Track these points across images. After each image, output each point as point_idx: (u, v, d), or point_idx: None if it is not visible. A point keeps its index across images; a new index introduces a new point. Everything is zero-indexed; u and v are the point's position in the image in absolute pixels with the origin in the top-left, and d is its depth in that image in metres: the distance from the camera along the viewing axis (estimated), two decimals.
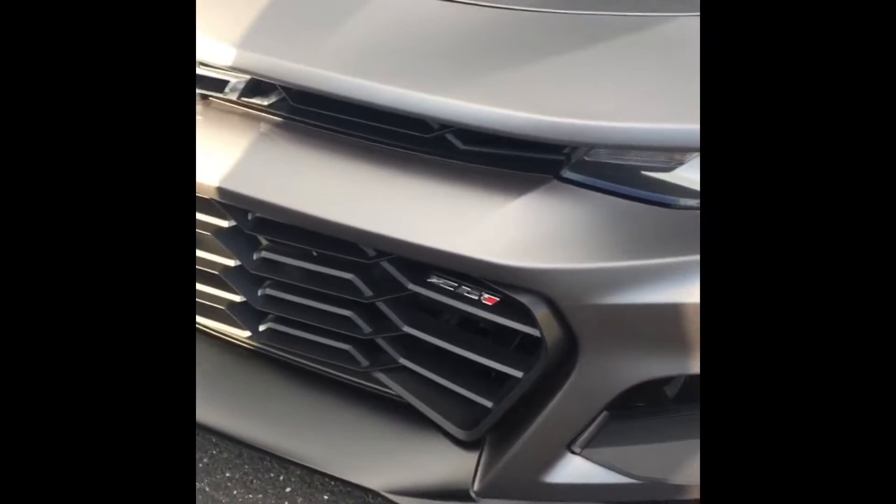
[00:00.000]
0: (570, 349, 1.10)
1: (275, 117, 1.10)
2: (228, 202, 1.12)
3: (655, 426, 1.24)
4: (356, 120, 1.08)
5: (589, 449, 1.22)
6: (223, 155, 1.10)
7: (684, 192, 1.03)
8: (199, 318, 1.34)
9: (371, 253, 1.13)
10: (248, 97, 1.10)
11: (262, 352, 1.35)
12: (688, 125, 0.99)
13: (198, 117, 1.11)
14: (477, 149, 1.05)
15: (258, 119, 1.11)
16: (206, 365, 1.35)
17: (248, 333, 1.32)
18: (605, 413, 1.21)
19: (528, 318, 1.07)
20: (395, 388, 1.28)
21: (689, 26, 1.01)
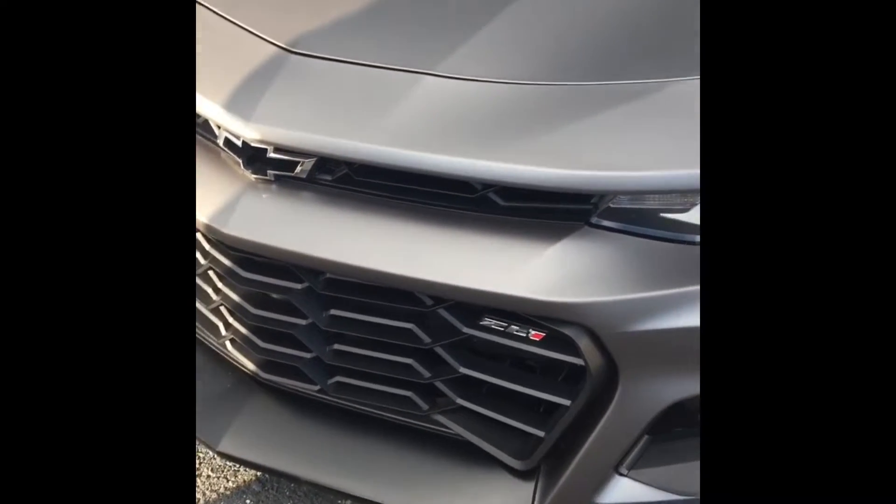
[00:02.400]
0: (611, 375, 1.24)
1: (341, 190, 1.27)
2: (303, 264, 1.28)
3: (693, 446, 1.36)
4: (410, 187, 1.25)
5: (635, 470, 1.34)
6: (297, 226, 1.27)
7: (699, 229, 1.18)
8: (270, 377, 1.49)
9: (428, 302, 1.28)
10: (315, 175, 1.27)
11: (332, 403, 1.49)
12: (697, 170, 1.15)
13: (272, 195, 1.28)
14: (516, 204, 1.22)
15: (326, 193, 1.28)
16: (284, 416, 1.50)
17: (317, 387, 1.46)
18: (647, 437, 1.34)
19: (572, 348, 1.21)
20: (454, 428, 1.41)
21: (685, 89, 1.18)
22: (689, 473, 1.33)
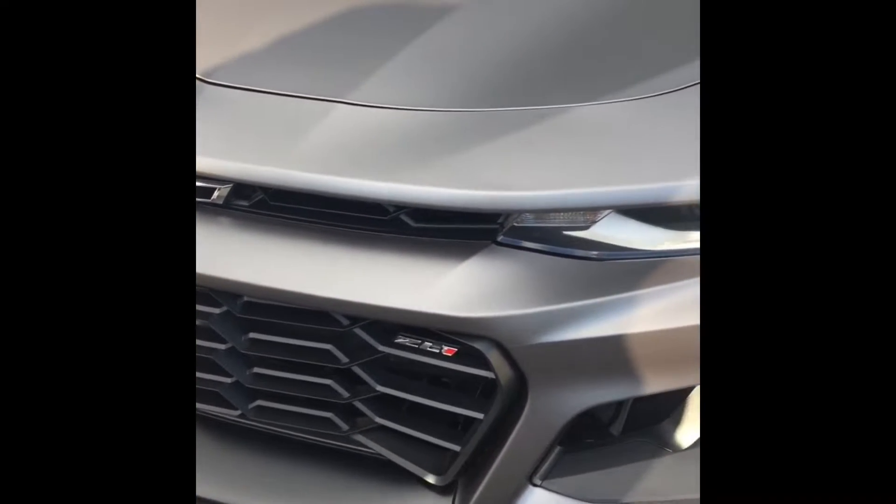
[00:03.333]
0: (520, 387, 1.29)
1: (257, 214, 1.31)
2: (221, 288, 1.31)
3: (604, 454, 1.42)
4: (325, 210, 1.29)
5: (549, 480, 1.39)
6: (214, 250, 1.30)
7: (600, 246, 1.25)
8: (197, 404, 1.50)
9: (345, 322, 1.32)
10: (232, 200, 1.31)
11: (254, 427, 1.51)
12: (594, 189, 1.22)
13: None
14: (427, 225, 1.27)
15: (243, 217, 1.31)
16: (207, 443, 1.51)
17: (238, 412, 1.48)
18: (559, 448, 1.40)
19: (483, 362, 1.27)
20: (374, 447, 1.44)
21: (583, 113, 1.26)
22: (603, 481, 1.39)
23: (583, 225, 1.25)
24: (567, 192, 1.22)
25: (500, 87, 1.30)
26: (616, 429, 1.45)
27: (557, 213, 1.25)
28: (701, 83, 0.96)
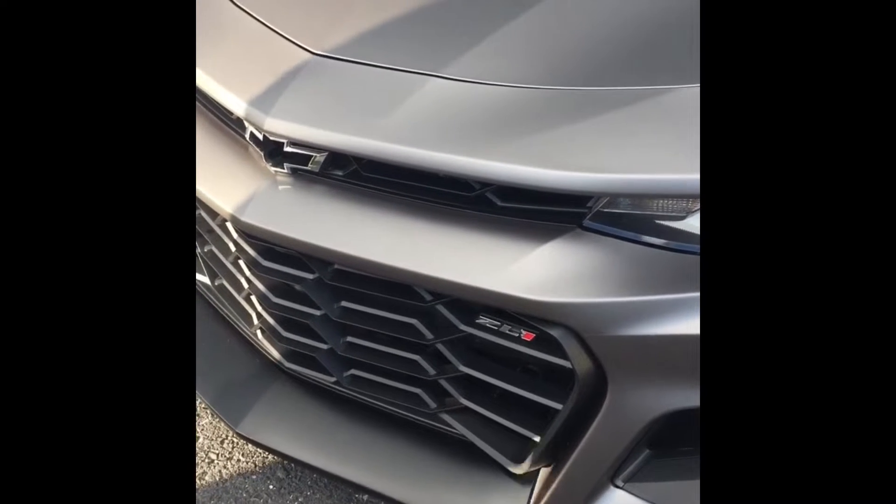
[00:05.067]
0: (600, 380, 1.23)
1: (350, 184, 1.33)
2: (312, 254, 1.34)
3: (697, 464, 1.33)
4: (414, 183, 1.29)
5: (633, 483, 1.32)
6: (307, 217, 1.33)
7: (693, 238, 1.17)
8: (292, 366, 1.55)
9: (427, 297, 1.31)
10: (327, 169, 1.33)
11: (348, 396, 1.54)
12: (695, 175, 1.14)
13: (287, 188, 1.35)
14: (513, 204, 1.24)
15: (336, 186, 1.34)
16: (298, 407, 1.56)
17: (334, 379, 1.52)
18: (647, 451, 1.32)
19: (560, 350, 1.22)
20: (459, 428, 1.43)
21: (685, 95, 1.17)
22: (687, 492, 1.30)
23: (678, 214, 1.17)
24: (663, 178, 1.15)
25: (598, 66, 1.24)
26: None
27: (651, 200, 1.18)
28: (701, 90, 0.91)
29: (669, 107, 1.18)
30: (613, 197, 1.18)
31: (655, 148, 1.17)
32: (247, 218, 1.34)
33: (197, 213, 1.64)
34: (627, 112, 1.19)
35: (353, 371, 1.50)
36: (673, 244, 1.17)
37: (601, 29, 1.29)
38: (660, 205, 1.18)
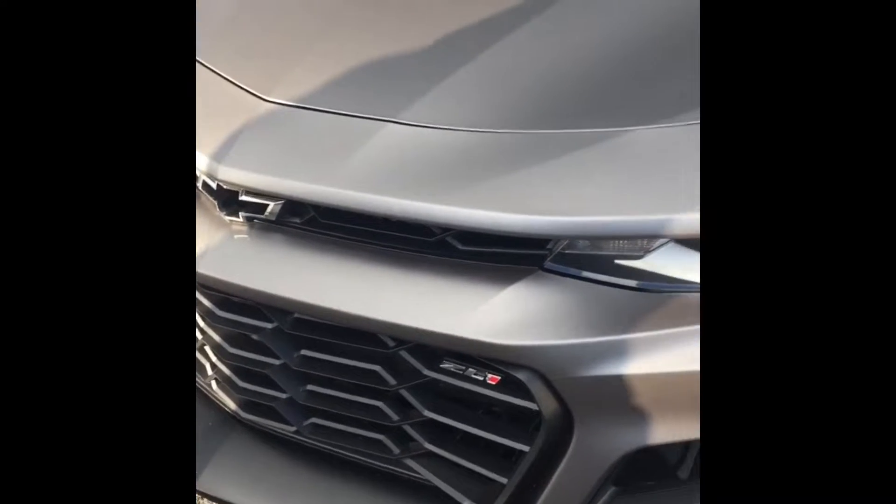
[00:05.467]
0: (566, 421, 1.24)
1: (307, 232, 1.32)
2: (271, 304, 1.32)
3: (665, 498, 1.34)
4: (373, 230, 1.28)
5: None
6: (266, 267, 1.31)
7: (654, 276, 1.19)
8: (250, 416, 1.52)
9: (391, 343, 1.30)
10: (284, 217, 1.32)
11: (309, 445, 1.51)
12: (652, 216, 1.16)
13: (244, 237, 1.33)
14: (474, 248, 1.24)
15: (294, 234, 1.32)
16: (256, 458, 1.52)
17: (294, 428, 1.49)
18: (613, 489, 1.33)
19: (526, 392, 1.22)
20: (424, 473, 1.42)
21: (638, 137, 1.20)
22: None
23: (637, 254, 1.19)
24: (621, 219, 1.16)
25: (553, 109, 1.26)
26: (683, 472, 1.37)
27: (610, 241, 1.19)
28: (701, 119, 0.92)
29: (624, 148, 1.20)
30: (573, 239, 1.19)
31: (611, 189, 1.19)
32: (202, 269, 1.32)
33: None
34: (583, 154, 1.20)
35: (313, 419, 1.47)
36: (633, 283, 1.19)
37: (554, 72, 1.31)
38: (618, 245, 1.20)
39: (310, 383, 1.43)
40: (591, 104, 1.26)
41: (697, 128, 1.19)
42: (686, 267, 1.18)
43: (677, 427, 1.24)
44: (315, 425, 1.48)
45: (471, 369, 1.27)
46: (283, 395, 1.46)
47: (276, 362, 1.41)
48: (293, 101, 1.33)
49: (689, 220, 1.15)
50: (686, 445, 1.35)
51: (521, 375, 1.20)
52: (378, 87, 1.34)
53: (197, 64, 1.46)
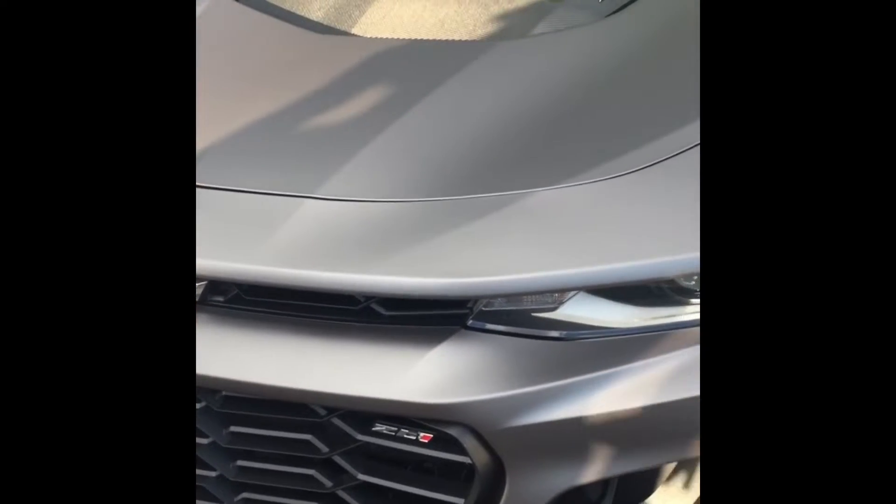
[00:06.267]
0: (498, 470, 1.29)
1: (232, 309, 1.34)
2: (199, 384, 1.33)
3: None
4: (298, 303, 1.32)
5: None
6: None
7: (568, 325, 1.27)
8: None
9: (322, 412, 1.33)
10: (207, 296, 1.34)
11: None
12: (561, 271, 1.24)
13: None
14: (398, 312, 1.30)
15: (219, 313, 1.34)
16: None
17: None
18: None
19: (458, 447, 1.27)
20: None
21: (546, 197, 1.29)
22: None
23: (551, 306, 1.27)
24: (533, 276, 1.24)
25: (465, 174, 1.34)
26: None
27: (525, 296, 1.27)
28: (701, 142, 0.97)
29: (533, 209, 1.29)
30: (489, 297, 1.27)
31: (523, 248, 1.27)
32: None
33: None
34: (494, 217, 1.29)
35: (244, 495, 1.47)
36: (550, 333, 1.27)
37: (464, 139, 1.39)
38: (533, 299, 1.28)
39: (240, 459, 1.44)
40: (499, 168, 1.35)
41: (599, 185, 1.30)
42: (598, 312, 1.27)
43: (603, 464, 1.31)
44: (247, 500, 1.48)
45: (403, 430, 1.31)
46: (213, 474, 1.45)
47: (206, 441, 1.41)
48: (211, 184, 1.36)
49: (596, 271, 1.24)
50: (606, 482, 1.42)
51: (453, 431, 1.26)
52: (293, 164, 1.39)
53: None
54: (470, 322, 1.27)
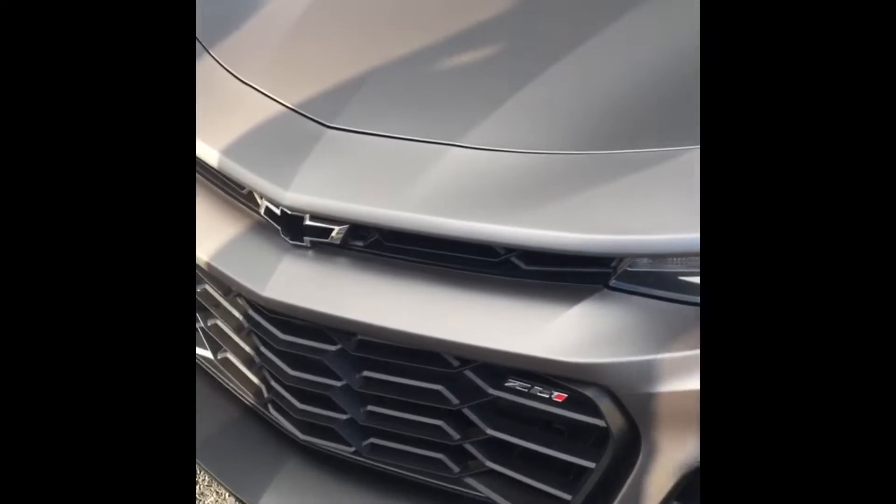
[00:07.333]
0: (633, 437, 1.25)
1: (372, 255, 1.34)
2: (335, 326, 1.34)
3: None
4: (437, 252, 1.30)
5: None
6: (330, 289, 1.33)
7: None
8: (308, 438, 1.54)
9: (455, 363, 1.32)
10: (348, 241, 1.34)
11: (368, 465, 1.53)
12: None
13: (308, 261, 1.35)
14: (538, 268, 1.26)
15: (358, 258, 1.34)
16: (321, 477, 1.54)
17: (353, 449, 1.50)
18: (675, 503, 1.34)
19: (594, 409, 1.23)
20: (485, 492, 1.43)
21: (697, 156, 1.22)
22: None
23: (698, 270, 1.21)
24: (683, 237, 1.18)
25: (616, 129, 1.28)
26: None
27: (671, 258, 1.21)
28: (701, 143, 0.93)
29: (683, 168, 1.22)
30: (635, 257, 1.22)
31: (672, 207, 1.21)
32: (267, 293, 1.34)
33: (203, 287, 1.62)
34: (644, 174, 1.23)
35: (372, 440, 1.49)
36: (695, 299, 1.21)
37: (611, 94, 1.33)
38: (680, 262, 1.22)
39: (370, 404, 1.45)
40: (652, 124, 1.29)
41: None
42: None
43: None
44: (374, 445, 1.49)
45: (537, 387, 1.29)
46: (344, 417, 1.48)
47: (338, 384, 1.43)
48: (355, 127, 1.35)
49: None
50: None
51: (590, 392, 1.22)
52: (439, 111, 1.36)
53: (247, 87, 1.49)
54: (612, 282, 1.23)
